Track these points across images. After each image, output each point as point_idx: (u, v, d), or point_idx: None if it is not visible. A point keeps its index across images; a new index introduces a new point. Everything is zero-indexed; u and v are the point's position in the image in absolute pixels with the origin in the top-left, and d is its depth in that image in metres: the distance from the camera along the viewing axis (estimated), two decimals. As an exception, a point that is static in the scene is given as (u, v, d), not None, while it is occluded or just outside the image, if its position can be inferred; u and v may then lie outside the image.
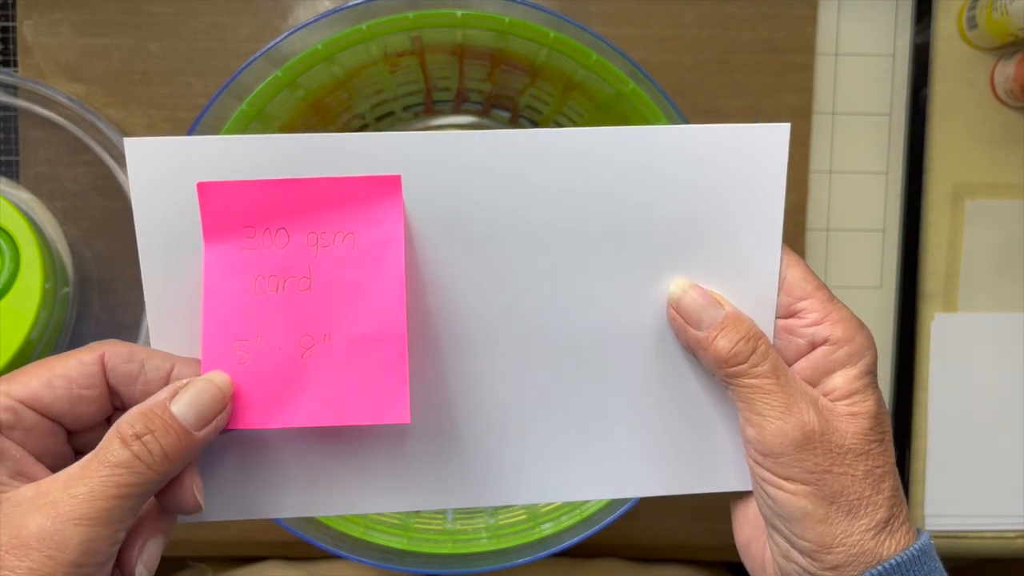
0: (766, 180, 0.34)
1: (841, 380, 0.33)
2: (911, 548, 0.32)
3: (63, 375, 0.30)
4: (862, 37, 0.57)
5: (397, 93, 0.52)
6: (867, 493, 0.32)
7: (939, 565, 0.33)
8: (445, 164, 0.33)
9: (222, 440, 0.34)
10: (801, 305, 0.34)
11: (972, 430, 0.59)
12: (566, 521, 0.46)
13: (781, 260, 0.34)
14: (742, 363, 0.33)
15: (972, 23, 0.56)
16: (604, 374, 0.36)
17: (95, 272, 0.55)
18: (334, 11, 0.42)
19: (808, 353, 0.33)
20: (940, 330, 0.58)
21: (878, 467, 0.32)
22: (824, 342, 0.33)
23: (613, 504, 0.46)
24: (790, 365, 0.34)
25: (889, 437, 0.33)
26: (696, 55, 0.56)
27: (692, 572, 0.59)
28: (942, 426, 0.59)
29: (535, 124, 0.53)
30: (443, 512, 0.50)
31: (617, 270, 0.35)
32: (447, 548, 0.46)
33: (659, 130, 0.34)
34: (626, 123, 0.46)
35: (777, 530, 0.33)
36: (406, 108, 0.53)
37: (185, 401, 0.29)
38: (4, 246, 0.51)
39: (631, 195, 0.34)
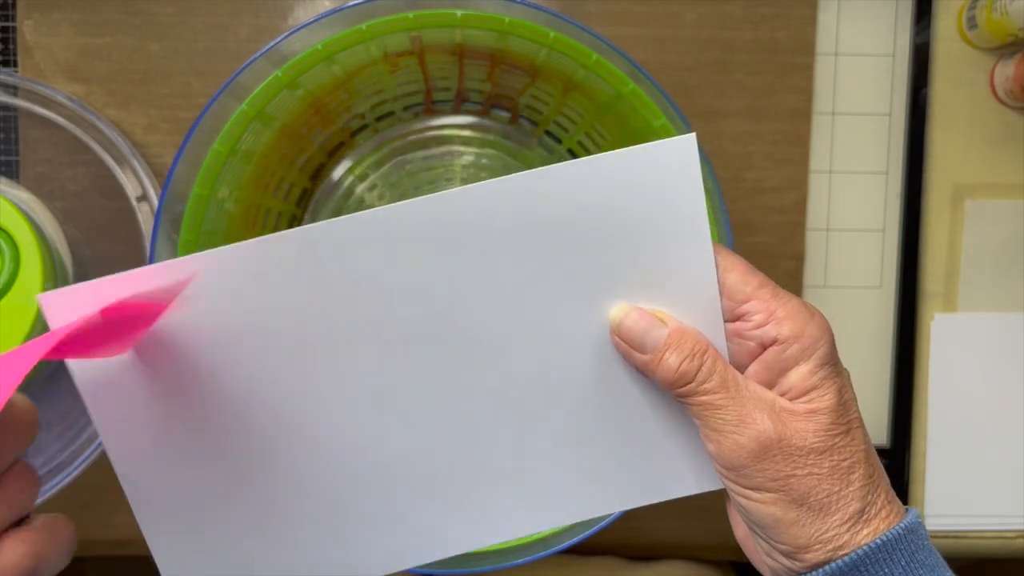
0: (684, 192, 0.33)
1: (796, 378, 0.32)
2: (890, 531, 0.32)
3: None
4: (862, 37, 0.57)
5: (397, 93, 0.52)
6: (836, 488, 0.32)
7: (927, 543, 0.32)
8: (369, 245, 0.33)
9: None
10: (744, 308, 0.33)
11: (972, 430, 0.59)
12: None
13: (718, 265, 0.34)
14: (690, 382, 0.33)
15: (972, 23, 0.56)
16: (553, 403, 0.35)
17: (95, 272, 0.55)
18: (334, 11, 0.42)
19: (760, 355, 0.33)
20: (940, 330, 0.58)
21: (844, 460, 0.32)
22: (773, 342, 0.32)
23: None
24: (744, 368, 0.33)
25: (855, 425, 0.33)
26: (696, 55, 0.56)
27: (692, 568, 0.59)
28: (942, 426, 0.59)
29: (535, 124, 0.53)
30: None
31: (557, 304, 0.34)
32: (447, 548, 0.46)
33: (567, 167, 0.33)
34: (626, 123, 0.46)
35: (757, 535, 0.34)
36: (406, 108, 0.53)
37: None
38: (4, 246, 0.52)
39: (560, 232, 0.34)
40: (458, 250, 0.34)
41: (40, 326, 0.52)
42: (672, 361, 0.33)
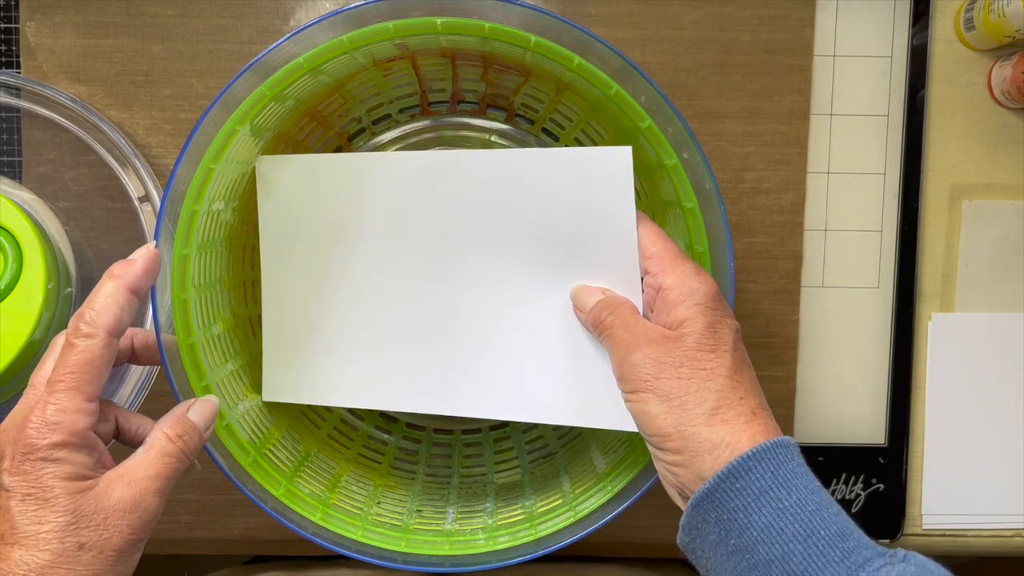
0: (618, 194, 0.44)
1: (675, 313, 0.41)
2: (765, 442, 0.37)
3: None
4: (860, 39, 0.57)
5: (392, 96, 0.52)
6: (692, 389, 0.39)
7: (798, 458, 0.37)
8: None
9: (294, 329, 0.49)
10: (646, 264, 0.44)
11: (969, 429, 0.59)
12: (563, 521, 0.47)
13: (638, 232, 0.44)
14: (600, 323, 0.44)
15: (969, 24, 0.56)
16: (532, 327, 0.48)
17: (98, 273, 0.56)
18: (320, 19, 0.42)
19: (655, 299, 0.43)
20: (937, 330, 0.59)
21: (703, 369, 0.39)
22: (661, 288, 0.42)
23: (610, 503, 0.46)
24: (650, 310, 0.43)
25: (725, 349, 0.40)
26: (695, 57, 0.56)
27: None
28: (939, 426, 0.59)
29: (531, 122, 0.54)
30: (442, 513, 0.50)
31: (532, 258, 0.47)
32: (445, 549, 0.46)
33: (533, 153, 0.46)
34: (617, 123, 0.46)
35: (646, 441, 0.41)
36: (402, 110, 0.53)
37: (196, 412, 0.42)
38: (7, 246, 0.52)
39: (526, 207, 0.46)
40: (460, 190, 0.47)
41: (42, 326, 0.52)
42: (593, 314, 0.44)
